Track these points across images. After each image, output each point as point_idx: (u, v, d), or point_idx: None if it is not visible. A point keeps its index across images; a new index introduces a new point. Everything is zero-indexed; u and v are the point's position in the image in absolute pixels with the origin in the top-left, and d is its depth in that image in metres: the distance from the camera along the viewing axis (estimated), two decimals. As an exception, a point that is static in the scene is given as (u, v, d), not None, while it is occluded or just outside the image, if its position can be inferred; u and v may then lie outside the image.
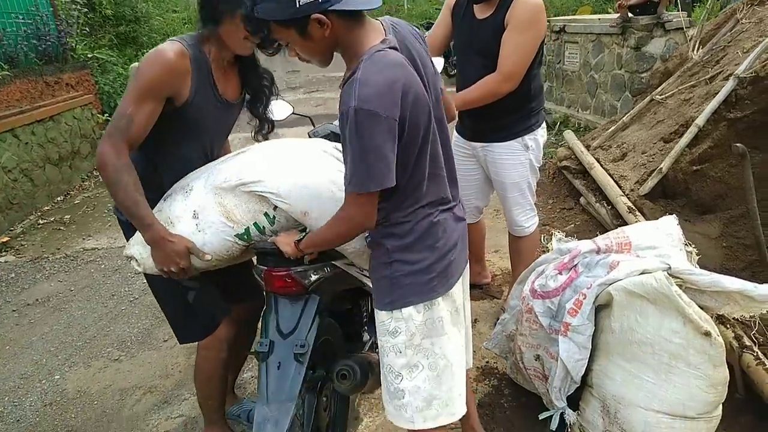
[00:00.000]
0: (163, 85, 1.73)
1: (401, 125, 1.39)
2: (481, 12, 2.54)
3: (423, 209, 1.55)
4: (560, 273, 2.06)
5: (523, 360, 2.19)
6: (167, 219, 1.77)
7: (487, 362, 2.67)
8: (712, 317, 1.90)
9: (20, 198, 5.29)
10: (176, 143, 1.88)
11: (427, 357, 1.60)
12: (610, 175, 3.98)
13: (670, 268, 1.84)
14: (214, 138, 1.99)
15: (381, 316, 1.61)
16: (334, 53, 1.51)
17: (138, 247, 1.81)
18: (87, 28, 7.73)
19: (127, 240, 1.91)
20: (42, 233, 5.03)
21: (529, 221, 2.85)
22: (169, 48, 1.74)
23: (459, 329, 1.69)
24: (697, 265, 2.14)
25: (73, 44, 6.95)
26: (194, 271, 1.79)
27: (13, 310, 3.69)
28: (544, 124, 2.77)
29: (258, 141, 2.10)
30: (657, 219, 2.29)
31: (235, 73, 1.96)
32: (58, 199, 5.85)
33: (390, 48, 1.43)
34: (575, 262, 2.05)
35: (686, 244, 2.16)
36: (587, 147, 4.64)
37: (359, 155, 1.36)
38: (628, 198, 3.60)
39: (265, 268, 1.76)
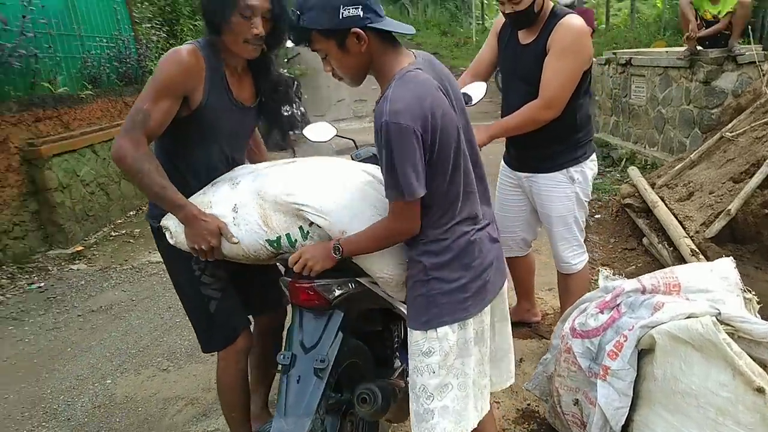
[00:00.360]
0: (178, 84, 1.80)
1: (432, 138, 1.46)
2: (524, 37, 2.53)
3: (459, 227, 1.59)
4: (601, 312, 1.98)
5: (561, 404, 2.11)
6: (208, 203, 1.84)
7: (528, 404, 2.57)
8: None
9: (96, 210, 5.63)
10: (194, 146, 1.94)
11: (457, 377, 1.63)
12: (674, 215, 3.81)
13: (719, 313, 1.73)
14: (232, 142, 2.02)
15: (415, 336, 1.63)
16: (367, 75, 1.59)
17: (174, 221, 1.86)
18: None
19: (159, 249, 1.99)
20: (113, 245, 5.32)
21: (576, 258, 2.76)
22: (184, 48, 1.83)
23: (480, 348, 1.70)
24: (757, 315, 2.01)
25: (152, 67, 7.40)
26: (221, 254, 1.83)
27: (79, 315, 3.91)
28: (594, 156, 2.70)
29: (270, 149, 2.15)
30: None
31: (250, 79, 2.03)
32: (131, 213, 6.19)
33: (419, 69, 1.51)
34: (618, 302, 1.96)
35: (745, 291, 2.03)
36: (652, 185, 4.46)
37: (391, 166, 1.44)
38: (693, 240, 3.43)
39: (290, 279, 1.79)
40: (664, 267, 3.62)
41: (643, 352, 1.86)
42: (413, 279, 1.63)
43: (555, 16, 2.44)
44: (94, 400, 2.89)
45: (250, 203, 1.79)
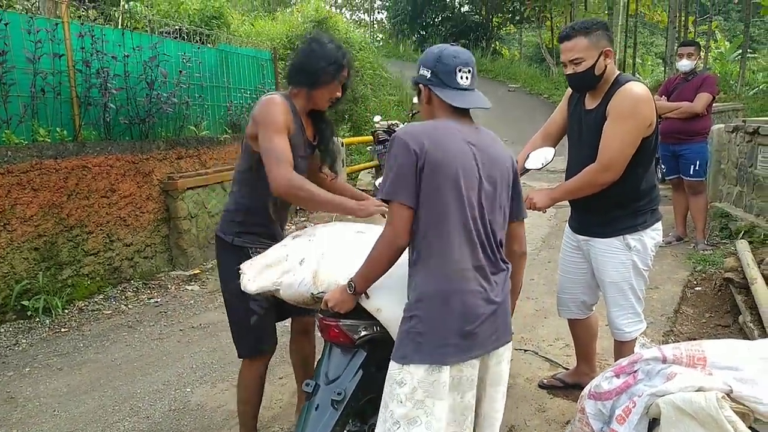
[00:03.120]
0: (286, 122, 2.26)
1: (428, 161, 1.69)
2: (590, 103, 2.60)
3: (450, 272, 1.71)
4: (617, 376, 1.95)
5: (575, 464, 2.08)
6: (285, 256, 2.13)
7: (562, 465, 2.53)
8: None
9: (216, 240, 6.28)
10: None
11: (426, 414, 1.69)
12: (774, 294, 3.51)
13: (731, 391, 1.66)
14: (300, 172, 2.36)
15: (392, 366, 1.75)
16: None
17: (250, 271, 2.16)
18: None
19: (218, 257, 2.48)
20: (225, 271, 5.88)
21: (630, 326, 2.69)
22: (277, 96, 2.30)
23: (455, 397, 1.75)
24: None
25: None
26: None
27: (180, 330, 4.40)
28: (657, 226, 2.64)
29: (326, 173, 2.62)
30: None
31: (310, 122, 2.45)
32: (247, 245, 6.79)
33: (452, 124, 1.79)
34: (635, 368, 1.93)
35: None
36: (760, 261, 4.12)
37: (387, 169, 1.72)
38: (786, 322, 3.14)
39: (321, 316, 1.99)
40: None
41: (655, 422, 1.82)
42: (403, 315, 1.76)
43: (617, 83, 2.50)
44: (172, 404, 3.26)
45: (311, 262, 2.06)
